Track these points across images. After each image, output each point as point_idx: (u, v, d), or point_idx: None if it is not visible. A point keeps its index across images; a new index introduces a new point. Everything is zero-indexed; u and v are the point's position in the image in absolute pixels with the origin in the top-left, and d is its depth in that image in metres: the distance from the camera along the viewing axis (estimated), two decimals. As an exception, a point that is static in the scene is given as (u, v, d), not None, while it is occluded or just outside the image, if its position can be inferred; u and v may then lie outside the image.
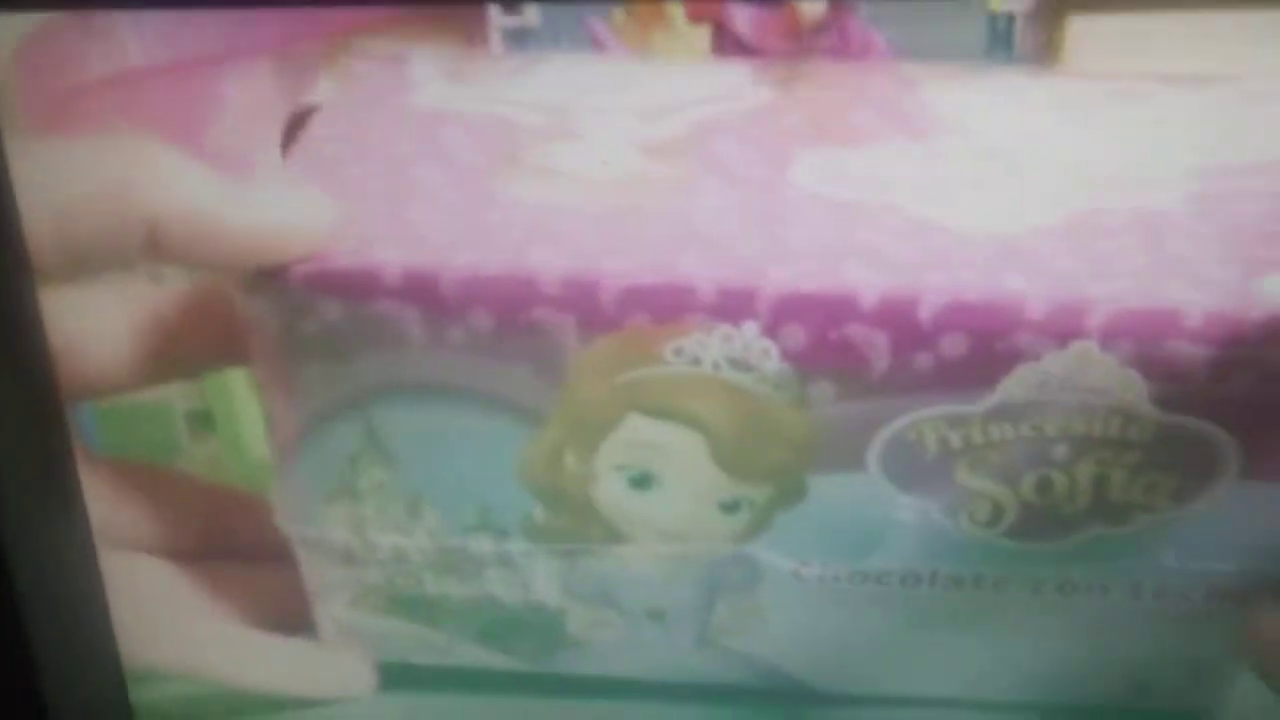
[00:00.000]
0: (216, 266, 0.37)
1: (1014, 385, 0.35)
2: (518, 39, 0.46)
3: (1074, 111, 0.41)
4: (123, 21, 0.39)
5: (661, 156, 0.40)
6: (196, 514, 0.43)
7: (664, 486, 0.38)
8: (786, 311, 0.35)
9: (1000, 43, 0.42)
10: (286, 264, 0.36)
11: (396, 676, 0.44)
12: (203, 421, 0.43)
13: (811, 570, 0.39)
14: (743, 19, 0.45)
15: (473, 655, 0.43)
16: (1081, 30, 0.41)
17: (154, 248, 0.36)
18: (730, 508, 0.38)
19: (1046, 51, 0.41)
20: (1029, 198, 0.37)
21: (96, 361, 0.40)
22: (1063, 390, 0.35)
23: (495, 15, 0.45)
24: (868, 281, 0.35)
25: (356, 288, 0.36)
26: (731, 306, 0.35)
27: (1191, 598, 0.39)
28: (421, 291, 0.36)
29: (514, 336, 0.36)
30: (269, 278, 0.36)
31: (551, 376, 0.36)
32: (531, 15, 0.46)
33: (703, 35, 0.45)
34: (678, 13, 0.44)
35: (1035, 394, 0.35)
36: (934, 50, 0.43)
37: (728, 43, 0.45)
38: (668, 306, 0.35)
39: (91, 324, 0.39)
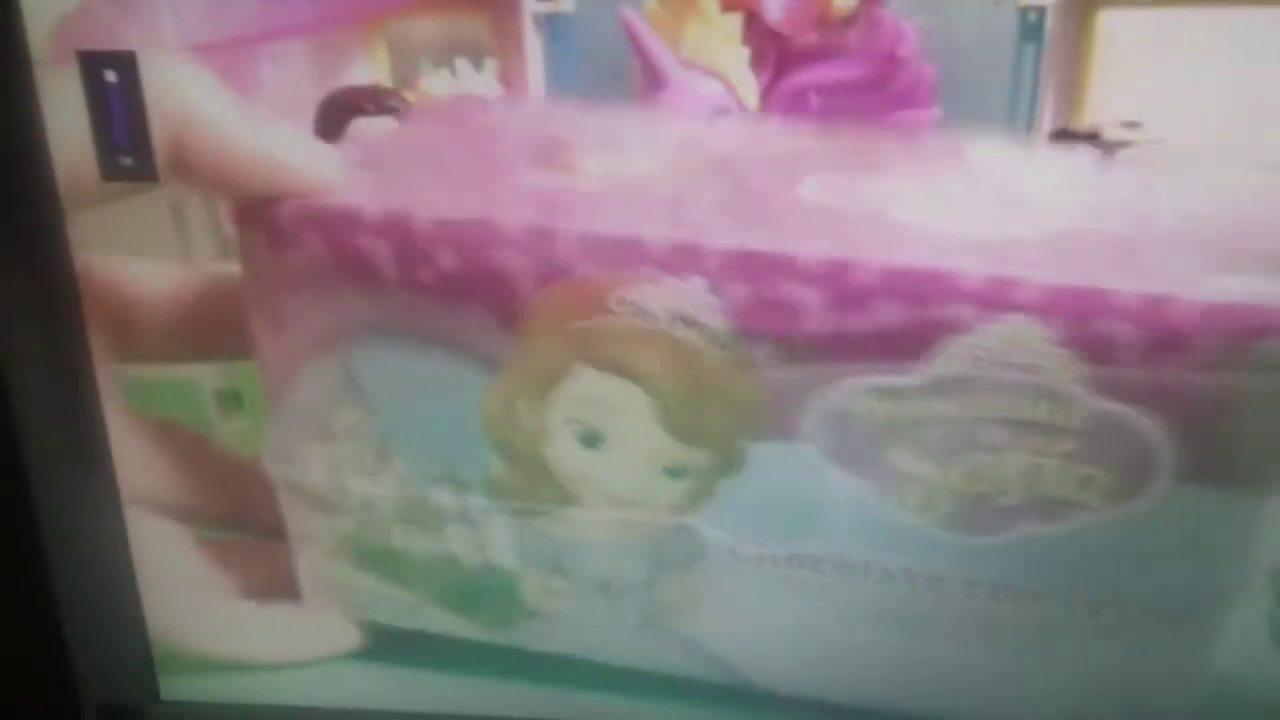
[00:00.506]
0: (226, 188, 0.39)
1: (947, 358, 0.34)
2: (550, 24, 0.46)
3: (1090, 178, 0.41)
4: (161, 2, 0.40)
5: (685, 166, 0.41)
6: (220, 483, 0.44)
7: (612, 446, 0.38)
8: (731, 268, 0.35)
9: (1031, 35, 0.42)
10: (280, 197, 0.37)
11: (373, 647, 0.45)
12: (231, 400, 0.44)
13: (748, 549, 0.39)
14: (774, 7, 0.45)
15: (439, 620, 0.44)
16: (1112, 24, 0.41)
17: (177, 161, 0.37)
18: (674, 473, 0.38)
19: (1077, 45, 0.41)
20: (1017, 220, 0.37)
21: (128, 330, 0.41)
22: (994, 366, 0.34)
23: (529, 1, 0.46)
24: (811, 245, 0.35)
25: (338, 223, 0.37)
26: (680, 261, 0.35)
27: (1128, 616, 0.37)
28: (395, 229, 0.36)
29: (476, 279, 0.36)
30: (260, 207, 0.37)
31: (509, 322, 0.37)
32: (566, 1, 0.46)
33: (735, 23, 0.45)
34: (710, 1, 0.44)
35: (968, 369, 0.34)
36: (964, 41, 0.42)
37: (759, 31, 0.45)
38: (618, 257, 0.35)
39: (126, 293, 0.41)
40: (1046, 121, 0.43)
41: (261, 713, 0.45)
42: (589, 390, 0.37)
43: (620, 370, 0.37)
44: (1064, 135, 0.43)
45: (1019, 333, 0.34)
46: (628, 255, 0.35)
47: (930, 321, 0.34)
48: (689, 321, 0.36)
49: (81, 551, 0.42)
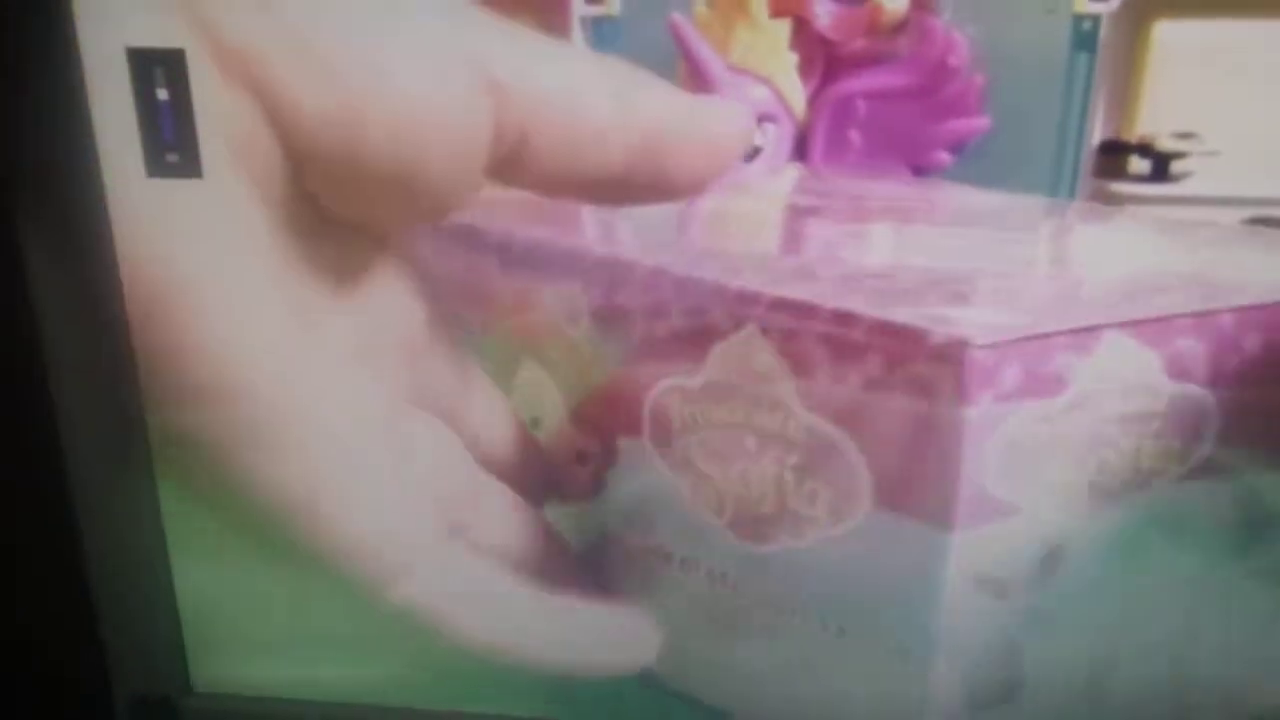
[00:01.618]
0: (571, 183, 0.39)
1: (712, 364, 0.36)
2: (597, 28, 0.46)
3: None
4: None
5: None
6: None
7: (546, 430, 0.41)
8: (594, 275, 0.38)
9: (1084, 44, 0.41)
10: None
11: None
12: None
13: (630, 540, 0.40)
14: (824, 14, 0.45)
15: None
16: (1168, 34, 0.40)
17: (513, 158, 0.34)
18: (580, 457, 0.41)
19: (1131, 55, 0.41)
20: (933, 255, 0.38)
21: None
22: (739, 374, 0.35)
23: (577, 4, 0.46)
24: (651, 257, 0.37)
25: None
26: (570, 266, 0.38)
27: (863, 644, 0.36)
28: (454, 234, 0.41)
29: (488, 278, 0.41)
30: None
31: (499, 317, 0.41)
32: (613, 4, 0.46)
33: (783, 29, 0.45)
34: (760, 7, 0.44)
35: (727, 375, 0.35)
36: (1016, 50, 0.42)
37: (808, 37, 0.45)
38: (542, 263, 0.39)
39: None
40: (1097, 132, 0.43)
41: (291, 706, 0.45)
42: (529, 378, 0.41)
43: (541, 362, 0.40)
44: (1114, 146, 0.43)
45: (748, 342, 0.35)
46: (546, 261, 0.39)
47: (698, 328, 0.36)
48: (573, 320, 0.39)
49: (116, 542, 0.42)
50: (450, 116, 0.31)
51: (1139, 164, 0.42)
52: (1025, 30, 0.42)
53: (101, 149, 0.38)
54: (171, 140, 0.37)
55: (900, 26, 0.44)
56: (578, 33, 0.46)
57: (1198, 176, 0.42)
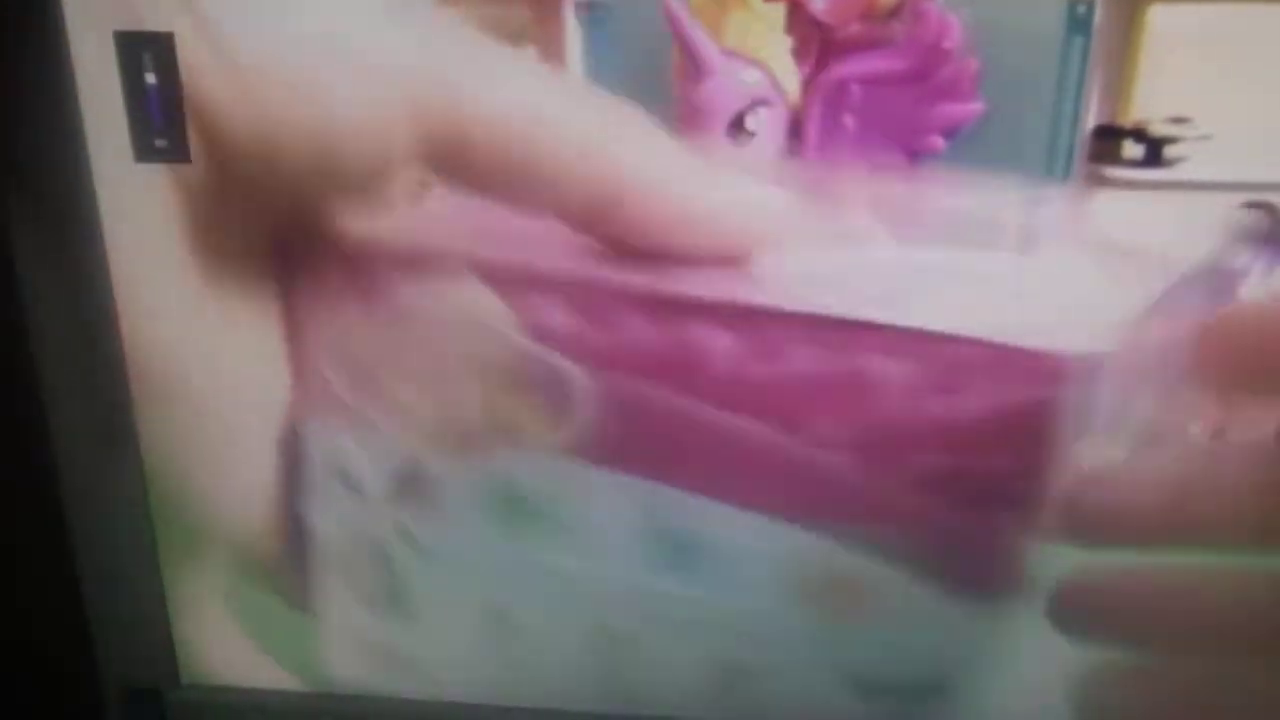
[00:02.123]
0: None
1: None
2: (592, 11, 0.46)
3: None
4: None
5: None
6: None
7: None
8: None
9: (1078, 28, 0.41)
10: None
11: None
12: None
13: None
14: (819, -3, 0.45)
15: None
16: (1164, 18, 0.40)
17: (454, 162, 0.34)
18: None
19: (1126, 39, 0.41)
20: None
21: None
22: None
23: (571, -12, 0.46)
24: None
25: None
26: None
27: None
28: None
29: None
30: None
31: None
32: (608, -11, 0.46)
33: (778, 13, 0.45)
34: (755, -11, 0.44)
35: None
36: (1009, 34, 0.42)
37: (803, 21, 0.45)
38: None
39: None
40: (1091, 117, 0.43)
41: (279, 697, 0.45)
42: None
43: None
44: (1108, 131, 0.43)
45: None
46: None
47: None
48: None
49: (105, 536, 0.42)
50: (361, 120, 0.33)
51: (1133, 149, 0.42)
52: (1019, 14, 0.42)
53: (90, 139, 0.37)
54: (160, 125, 0.37)
55: (895, 10, 0.44)
56: (571, 19, 0.46)
57: (1192, 161, 0.42)
